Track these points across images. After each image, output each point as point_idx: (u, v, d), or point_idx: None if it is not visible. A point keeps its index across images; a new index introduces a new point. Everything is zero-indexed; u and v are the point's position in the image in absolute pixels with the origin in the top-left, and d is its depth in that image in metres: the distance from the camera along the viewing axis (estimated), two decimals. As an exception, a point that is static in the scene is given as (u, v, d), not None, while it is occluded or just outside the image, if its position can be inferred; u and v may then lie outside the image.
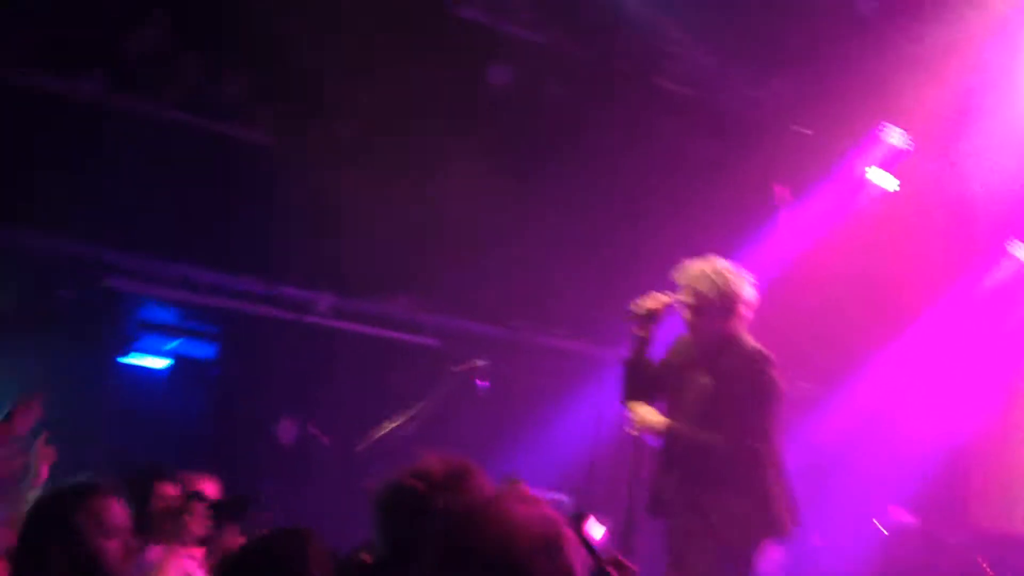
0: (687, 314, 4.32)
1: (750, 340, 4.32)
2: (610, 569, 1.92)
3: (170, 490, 3.55)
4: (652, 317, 4.33)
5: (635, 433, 4.31)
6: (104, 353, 7.25)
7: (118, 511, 2.63)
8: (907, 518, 7.14)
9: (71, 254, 6.90)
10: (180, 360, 7.77)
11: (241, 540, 3.59)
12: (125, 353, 7.43)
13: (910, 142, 7.62)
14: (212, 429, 7.47)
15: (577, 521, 1.99)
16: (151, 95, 7.04)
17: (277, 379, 7.61)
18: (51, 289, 6.78)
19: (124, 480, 3.65)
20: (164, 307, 7.57)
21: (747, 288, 4.34)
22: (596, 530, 2.07)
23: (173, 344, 7.78)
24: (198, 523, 3.47)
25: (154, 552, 3.42)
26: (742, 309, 4.32)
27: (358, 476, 7.07)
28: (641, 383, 4.40)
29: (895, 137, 7.63)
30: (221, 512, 3.58)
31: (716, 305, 4.26)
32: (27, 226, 6.70)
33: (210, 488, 3.88)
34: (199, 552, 3.64)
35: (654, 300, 4.32)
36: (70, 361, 6.60)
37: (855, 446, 7.79)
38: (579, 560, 1.69)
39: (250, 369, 7.63)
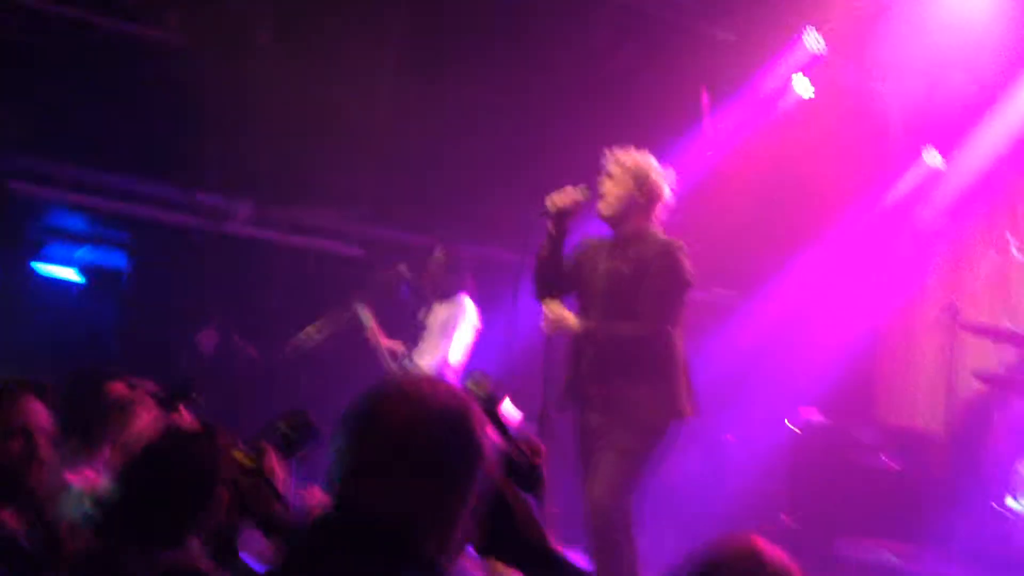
0: (610, 195, 4.34)
1: (662, 233, 4.41)
2: (522, 448, 1.96)
3: (120, 388, 3.51)
4: (566, 212, 4.33)
5: (549, 331, 4.35)
6: (12, 261, 7.05)
7: (30, 409, 2.58)
8: (816, 417, 7.40)
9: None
10: (92, 270, 7.59)
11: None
12: (34, 260, 7.24)
13: (827, 47, 7.68)
14: (129, 340, 7.36)
15: (490, 403, 2.01)
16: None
17: (195, 290, 7.50)
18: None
19: (71, 381, 3.61)
20: (75, 213, 7.36)
21: (667, 187, 4.42)
22: (512, 413, 2.10)
23: (83, 253, 7.58)
24: (148, 412, 3.47)
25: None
26: (660, 207, 4.40)
27: (282, 385, 7.12)
28: (553, 280, 4.43)
29: (813, 42, 7.68)
30: (169, 399, 3.57)
31: (637, 198, 4.32)
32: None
33: (151, 386, 3.85)
34: None
35: (568, 195, 4.32)
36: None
37: (769, 350, 8.00)
38: (488, 438, 1.73)
39: (166, 279, 7.50)
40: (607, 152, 4.44)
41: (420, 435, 1.64)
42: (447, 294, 6.26)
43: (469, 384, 2.17)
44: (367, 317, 6.37)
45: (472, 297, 6.28)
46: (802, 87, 7.92)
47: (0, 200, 6.68)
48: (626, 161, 4.38)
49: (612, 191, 4.35)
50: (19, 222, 7.02)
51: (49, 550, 2.52)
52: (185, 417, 3.65)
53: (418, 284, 6.47)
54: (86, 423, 3.45)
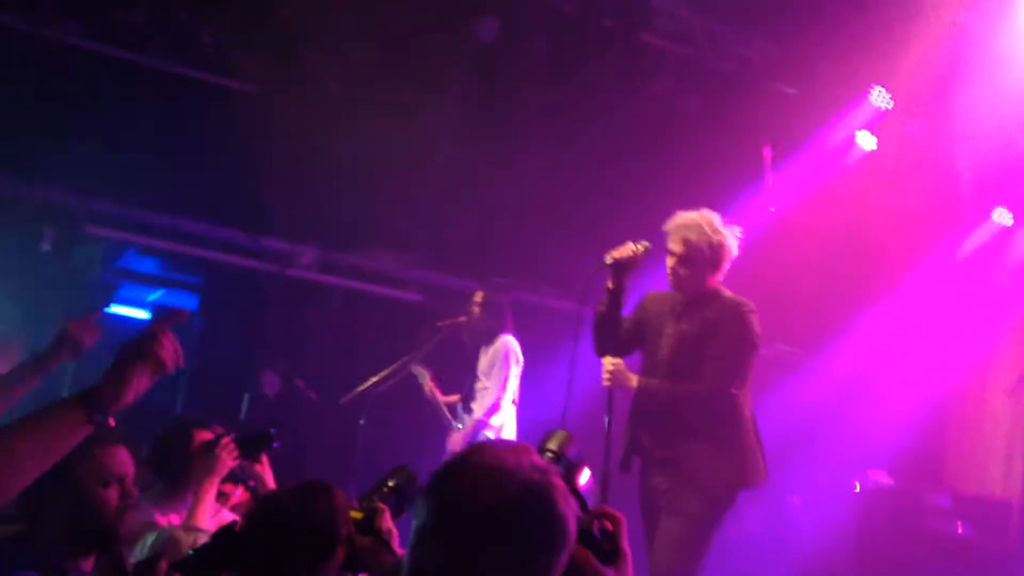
0: (674, 262, 4.30)
1: (730, 293, 4.35)
2: (602, 520, 1.92)
3: (206, 435, 3.60)
4: (625, 267, 4.26)
5: (608, 386, 4.29)
6: (86, 302, 7.20)
7: (122, 459, 2.62)
8: (885, 480, 7.23)
9: (53, 202, 6.84)
10: (161, 310, 7.73)
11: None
12: (107, 303, 7.38)
13: (893, 103, 7.62)
14: (196, 382, 7.46)
15: (569, 472, 2.00)
16: (133, 42, 6.95)
17: (260, 332, 7.59)
18: (33, 238, 6.72)
19: (165, 428, 3.70)
20: (145, 256, 7.51)
21: (733, 243, 4.36)
22: (584, 479, 2.08)
23: (155, 295, 7.73)
24: (229, 457, 3.55)
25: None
26: (727, 263, 4.35)
27: (343, 429, 7.16)
28: (613, 335, 4.37)
29: (880, 99, 7.63)
30: (248, 446, 3.66)
31: (705, 256, 4.27)
32: (9, 173, 6.63)
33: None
34: (236, 490, 3.71)
35: (627, 249, 4.26)
36: (52, 310, 6.56)
37: (835, 409, 7.86)
38: (570, 510, 1.70)
39: (232, 321, 7.61)
40: (670, 220, 4.34)
41: (504, 512, 1.60)
42: (489, 338, 6.27)
43: (549, 443, 2.14)
44: (423, 375, 6.41)
45: (515, 336, 6.28)
46: (867, 141, 7.85)
47: (76, 242, 6.85)
48: (687, 223, 4.31)
49: (679, 249, 4.30)
50: (94, 265, 7.18)
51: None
52: (266, 466, 3.71)
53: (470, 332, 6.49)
54: (175, 469, 3.53)
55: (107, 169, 6.77)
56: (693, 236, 4.26)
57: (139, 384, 2.08)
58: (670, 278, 4.34)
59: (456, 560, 1.60)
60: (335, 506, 2.28)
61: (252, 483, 3.72)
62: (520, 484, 1.64)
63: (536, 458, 1.73)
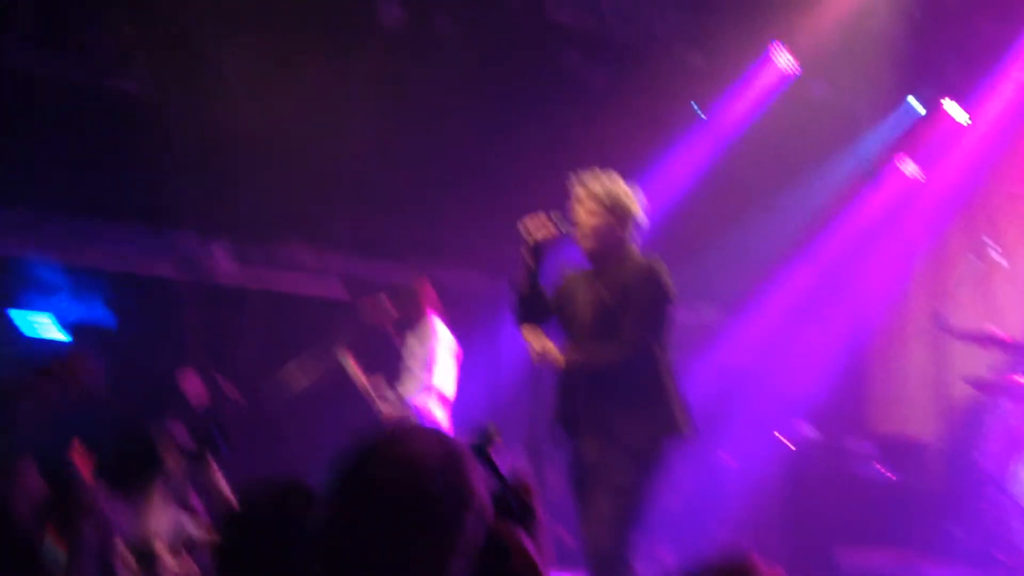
0: (585, 229, 4.31)
1: (639, 253, 4.39)
2: (516, 492, 1.93)
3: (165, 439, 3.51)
4: (541, 242, 4.28)
5: (536, 362, 4.30)
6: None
7: (36, 481, 2.57)
8: (809, 430, 7.39)
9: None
10: (76, 328, 7.53)
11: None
12: (16, 321, 7.17)
13: (796, 63, 7.76)
14: (119, 395, 7.29)
15: (482, 444, 1.99)
16: (29, 49, 6.75)
17: (179, 340, 7.45)
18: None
19: (124, 441, 3.59)
20: (52, 269, 7.31)
21: (640, 208, 4.39)
22: (501, 455, 2.08)
23: (71, 313, 7.52)
24: (175, 466, 3.47)
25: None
26: (636, 228, 4.38)
27: (273, 432, 7.07)
28: (534, 309, 4.38)
29: (783, 60, 7.76)
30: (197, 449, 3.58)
31: (615, 221, 4.30)
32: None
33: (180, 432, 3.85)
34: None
35: (542, 224, 4.27)
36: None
37: (756, 367, 8.01)
38: (481, 483, 1.71)
39: (150, 331, 7.45)
40: (575, 179, 4.38)
41: (417, 492, 1.62)
42: (416, 323, 6.26)
43: (480, 436, 2.13)
44: (348, 363, 6.36)
45: (443, 320, 6.27)
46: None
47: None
48: (597, 189, 4.33)
49: (587, 222, 4.31)
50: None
51: None
52: (213, 466, 3.65)
53: (396, 318, 6.46)
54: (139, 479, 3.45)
55: (4, 175, 6.58)
56: (602, 203, 4.29)
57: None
58: (580, 242, 4.35)
59: (367, 540, 1.60)
60: (311, 502, 2.23)
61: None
62: (432, 465, 1.66)
63: (446, 438, 1.74)
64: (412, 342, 6.28)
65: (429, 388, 6.12)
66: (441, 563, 1.62)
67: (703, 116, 8.08)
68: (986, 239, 7.12)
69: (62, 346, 7.43)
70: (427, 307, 6.33)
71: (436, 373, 6.14)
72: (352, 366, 6.36)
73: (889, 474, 6.95)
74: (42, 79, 6.76)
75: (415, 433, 1.73)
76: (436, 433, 1.75)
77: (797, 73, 7.83)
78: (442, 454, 1.67)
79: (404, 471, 1.63)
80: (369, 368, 6.56)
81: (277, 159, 7.04)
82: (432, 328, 6.22)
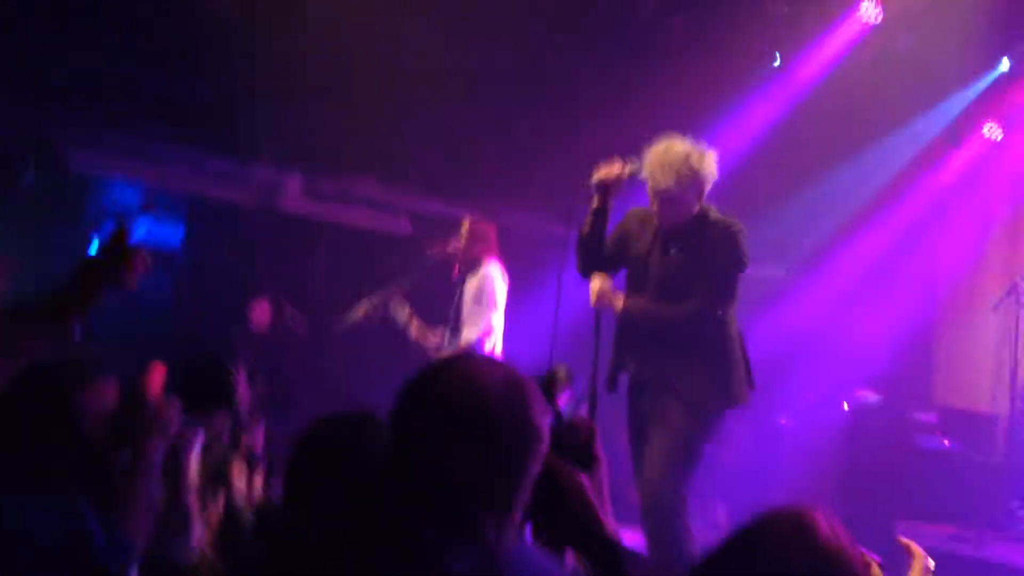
0: (659, 200, 4.20)
1: (718, 213, 4.30)
2: (577, 432, 1.93)
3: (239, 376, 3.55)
4: (610, 187, 4.20)
5: (595, 307, 4.25)
6: (69, 235, 7.16)
7: (112, 392, 2.62)
8: (873, 398, 7.28)
9: (33, 136, 6.75)
10: (147, 244, 7.68)
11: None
12: (94, 235, 7.34)
13: (882, 17, 7.50)
14: (184, 314, 7.45)
15: (547, 384, 1.99)
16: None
17: (247, 264, 7.57)
18: (13, 171, 6.64)
19: (196, 367, 3.62)
20: (129, 187, 7.45)
21: (714, 167, 4.29)
22: (564, 396, 2.08)
23: (140, 230, 7.67)
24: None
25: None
26: (708, 188, 4.29)
27: (330, 361, 7.18)
28: (598, 255, 4.32)
29: (870, 12, 7.50)
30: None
31: (689, 189, 4.20)
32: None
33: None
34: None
35: (614, 167, 4.19)
36: (35, 244, 6.52)
37: (823, 329, 7.89)
38: (544, 417, 1.71)
39: (219, 253, 7.57)
40: (651, 155, 4.16)
41: (476, 409, 1.63)
42: (473, 265, 6.25)
43: (547, 375, 2.13)
44: (403, 313, 6.37)
45: (500, 262, 6.26)
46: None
47: (58, 172, 6.78)
48: (672, 163, 4.13)
49: (666, 204, 4.16)
50: (77, 196, 7.12)
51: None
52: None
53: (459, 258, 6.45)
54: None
55: (88, 98, 6.68)
56: (676, 172, 4.14)
57: (100, 295, 2.08)
58: (656, 213, 4.27)
59: (431, 461, 1.62)
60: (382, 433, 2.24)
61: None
62: (495, 391, 1.66)
63: (511, 369, 1.74)
64: (470, 285, 6.28)
65: (488, 331, 6.14)
66: (503, 491, 1.64)
67: (780, 65, 7.86)
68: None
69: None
70: (489, 250, 6.31)
71: (495, 317, 6.15)
72: (408, 317, 6.37)
73: (953, 446, 6.83)
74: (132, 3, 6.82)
75: (479, 360, 1.75)
76: (499, 363, 1.75)
77: (882, 24, 7.56)
78: (504, 382, 1.68)
79: (467, 393, 1.65)
80: (428, 308, 6.60)
81: (352, 95, 7.04)
82: (492, 272, 6.21)
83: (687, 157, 4.18)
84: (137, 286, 2.13)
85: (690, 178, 4.17)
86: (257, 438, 3.56)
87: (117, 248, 2.10)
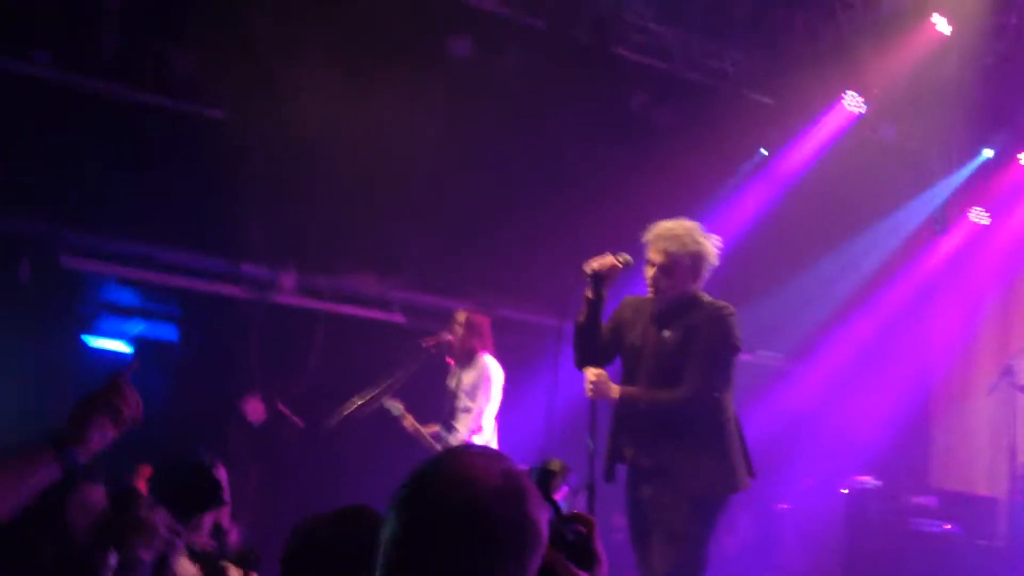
0: (654, 272, 4.27)
1: (709, 297, 4.34)
2: (575, 526, 1.91)
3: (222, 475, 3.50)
4: (604, 278, 4.23)
5: (591, 397, 4.24)
6: (64, 335, 7.15)
7: (99, 497, 2.61)
8: (871, 483, 7.23)
9: (28, 233, 6.80)
10: (143, 342, 7.68)
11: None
12: (86, 334, 7.34)
13: (866, 109, 7.67)
14: (179, 411, 7.41)
15: (543, 479, 1.98)
16: (105, 74, 6.95)
17: (242, 359, 7.55)
18: (8, 269, 6.67)
19: (184, 471, 3.58)
20: (124, 287, 7.47)
21: (713, 252, 4.35)
22: (560, 490, 2.07)
23: (136, 328, 7.68)
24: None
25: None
26: (707, 272, 4.34)
27: (326, 454, 7.11)
28: (593, 346, 4.33)
29: (853, 104, 7.68)
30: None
31: (685, 265, 4.24)
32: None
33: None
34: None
35: (608, 261, 4.23)
36: (29, 343, 6.52)
37: (818, 414, 7.87)
38: (542, 513, 1.69)
39: (214, 350, 7.56)
40: (650, 230, 4.29)
41: (475, 512, 1.60)
42: (470, 358, 6.24)
43: (543, 467, 2.13)
44: (397, 408, 6.35)
45: (494, 355, 6.26)
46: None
47: (51, 275, 6.81)
48: (667, 227, 4.28)
49: (659, 258, 4.25)
50: (70, 297, 7.14)
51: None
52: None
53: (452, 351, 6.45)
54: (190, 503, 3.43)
55: (83, 200, 6.75)
56: (674, 246, 4.25)
57: (101, 433, 2.09)
58: (650, 288, 4.31)
59: (428, 563, 1.59)
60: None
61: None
62: (492, 487, 1.63)
63: (508, 463, 1.72)
64: (466, 378, 6.26)
65: (479, 428, 6.12)
66: None
67: (767, 155, 8.01)
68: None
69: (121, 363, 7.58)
70: (484, 342, 6.32)
71: (488, 413, 6.13)
72: (402, 412, 6.35)
73: (953, 530, 6.76)
74: (116, 102, 6.95)
75: (474, 455, 1.70)
76: (495, 456, 1.73)
77: (866, 116, 7.73)
78: (502, 476, 1.65)
79: (469, 494, 1.61)
80: (421, 403, 6.57)
81: (346, 191, 7.13)
82: (489, 364, 6.21)
83: (693, 231, 4.28)
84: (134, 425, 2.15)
85: (692, 248, 4.23)
86: (232, 537, 3.53)
87: (112, 386, 2.13)
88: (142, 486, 3.70)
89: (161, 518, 2.75)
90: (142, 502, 2.84)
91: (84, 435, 2.06)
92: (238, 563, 3.24)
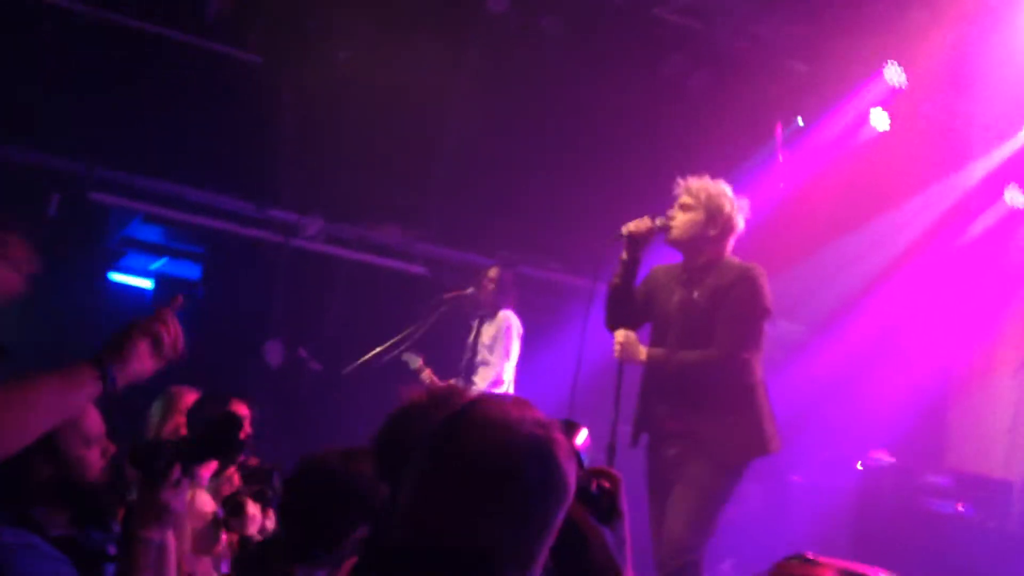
0: (680, 227, 4.25)
1: (739, 260, 4.31)
2: (600, 479, 1.89)
3: (243, 410, 3.52)
4: (640, 239, 4.23)
5: (619, 358, 4.23)
6: (89, 270, 7.20)
7: (95, 419, 2.60)
8: (886, 459, 7.21)
9: (57, 169, 6.83)
10: (164, 279, 7.72)
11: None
12: (111, 270, 7.38)
13: (907, 81, 7.54)
14: (198, 351, 7.44)
15: (568, 431, 1.96)
16: (139, 11, 6.92)
17: (264, 302, 7.59)
18: (37, 204, 6.71)
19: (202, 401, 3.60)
20: (150, 224, 7.50)
21: (742, 216, 4.32)
22: (581, 439, 2.04)
23: (158, 263, 7.72)
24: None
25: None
26: (733, 236, 4.31)
27: (344, 400, 7.16)
28: (625, 308, 4.32)
29: (894, 76, 7.55)
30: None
31: (710, 227, 4.22)
32: (12, 141, 6.62)
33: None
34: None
35: (645, 222, 4.23)
36: (54, 277, 6.57)
37: (838, 388, 7.83)
38: (571, 465, 1.67)
39: (235, 291, 7.60)
40: (679, 181, 4.34)
41: (507, 457, 1.58)
42: (492, 312, 6.27)
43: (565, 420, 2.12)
44: (415, 360, 6.39)
45: (515, 312, 6.27)
46: (879, 120, 7.77)
47: (80, 210, 6.84)
48: (699, 190, 4.27)
49: (684, 218, 4.24)
50: (98, 232, 7.17)
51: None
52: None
53: (477, 305, 6.47)
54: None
55: (114, 137, 6.76)
56: (708, 190, 4.24)
57: (140, 358, 2.09)
58: (674, 235, 4.26)
59: (455, 509, 1.57)
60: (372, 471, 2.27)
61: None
62: (523, 436, 1.61)
63: (538, 413, 1.70)
64: (487, 332, 6.28)
65: (499, 381, 6.14)
66: (529, 546, 1.59)
67: (802, 125, 7.91)
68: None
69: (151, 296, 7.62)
70: (509, 300, 6.33)
71: (508, 367, 6.14)
72: (420, 365, 6.38)
73: (966, 511, 6.74)
74: (152, 39, 6.93)
75: (513, 407, 1.66)
76: (533, 411, 1.67)
77: (906, 90, 7.60)
78: (534, 424, 1.62)
79: (499, 444, 1.59)
80: (441, 356, 6.59)
81: (375, 141, 7.11)
82: (510, 321, 6.22)
83: (725, 191, 4.29)
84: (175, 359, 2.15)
85: (716, 207, 4.19)
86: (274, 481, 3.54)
87: (156, 317, 2.13)
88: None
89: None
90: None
91: (124, 355, 2.07)
92: (255, 498, 3.26)
